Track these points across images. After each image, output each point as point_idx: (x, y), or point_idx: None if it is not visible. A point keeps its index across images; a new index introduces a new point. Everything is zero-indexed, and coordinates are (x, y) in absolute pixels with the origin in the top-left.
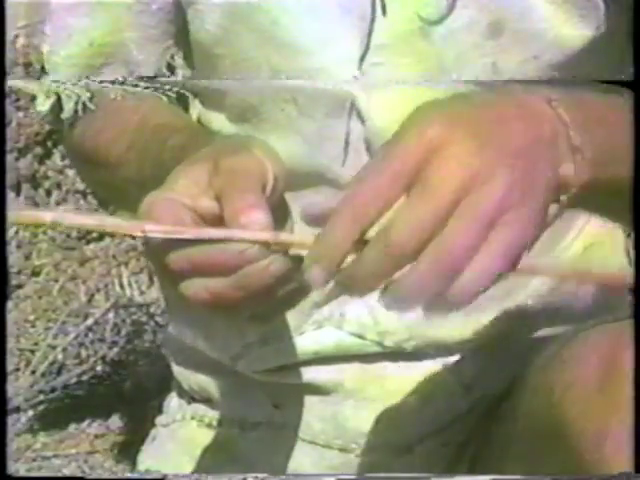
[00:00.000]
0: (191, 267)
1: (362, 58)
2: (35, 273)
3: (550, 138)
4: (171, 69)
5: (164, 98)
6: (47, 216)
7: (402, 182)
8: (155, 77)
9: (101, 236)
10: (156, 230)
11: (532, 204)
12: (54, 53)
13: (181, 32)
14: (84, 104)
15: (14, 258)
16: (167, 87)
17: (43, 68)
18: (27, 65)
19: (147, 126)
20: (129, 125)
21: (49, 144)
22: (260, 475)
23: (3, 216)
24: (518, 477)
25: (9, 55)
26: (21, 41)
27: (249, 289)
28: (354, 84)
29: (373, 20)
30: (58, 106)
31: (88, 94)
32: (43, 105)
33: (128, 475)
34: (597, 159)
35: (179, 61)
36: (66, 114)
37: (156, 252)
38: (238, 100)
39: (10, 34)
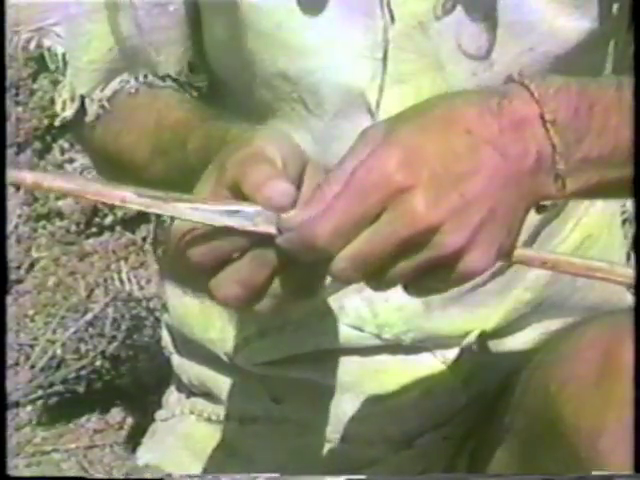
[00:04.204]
0: (215, 258)
1: (367, 54)
2: (34, 268)
3: (534, 169)
4: (192, 69)
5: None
6: (28, 177)
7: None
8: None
9: (101, 231)
10: (136, 201)
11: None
12: (75, 59)
13: (199, 33)
14: (103, 106)
15: (13, 253)
16: (188, 87)
17: (58, 69)
18: (28, 61)
19: (164, 126)
20: (147, 125)
21: (48, 139)
22: (253, 475)
23: (3, 212)
24: (517, 477)
25: (19, 57)
26: (33, 43)
27: (269, 265)
28: (363, 81)
29: (378, 17)
30: (82, 110)
31: (108, 93)
32: (67, 110)
33: (129, 475)
34: (581, 177)
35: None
36: (90, 117)
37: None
38: (253, 100)
39: (22, 37)
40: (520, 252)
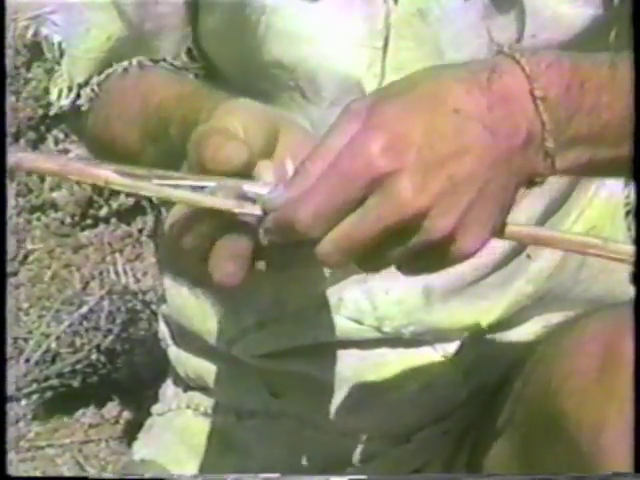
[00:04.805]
0: (200, 244)
1: (366, 43)
2: (29, 260)
3: (523, 146)
4: (191, 55)
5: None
6: (9, 158)
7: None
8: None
9: (96, 222)
10: (118, 182)
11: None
12: (72, 47)
13: (196, 20)
14: (94, 90)
15: (7, 245)
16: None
17: (54, 58)
18: (23, 49)
19: (149, 110)
20: (134, 109)
21: (42, 129)
22: (263, 475)
23: (3, 205)
24: (517, 477)
25: (17, 46)
26: (31, 31)
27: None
28: (360, 69)
29: (378, 4)
30: (77, 99)
31: (102, 78)
32: (63, 99)
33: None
34: (570, 155)
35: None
36: (84, 102)
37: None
38: (252, 88)
39: (19, 25)
40: (512, 229)
